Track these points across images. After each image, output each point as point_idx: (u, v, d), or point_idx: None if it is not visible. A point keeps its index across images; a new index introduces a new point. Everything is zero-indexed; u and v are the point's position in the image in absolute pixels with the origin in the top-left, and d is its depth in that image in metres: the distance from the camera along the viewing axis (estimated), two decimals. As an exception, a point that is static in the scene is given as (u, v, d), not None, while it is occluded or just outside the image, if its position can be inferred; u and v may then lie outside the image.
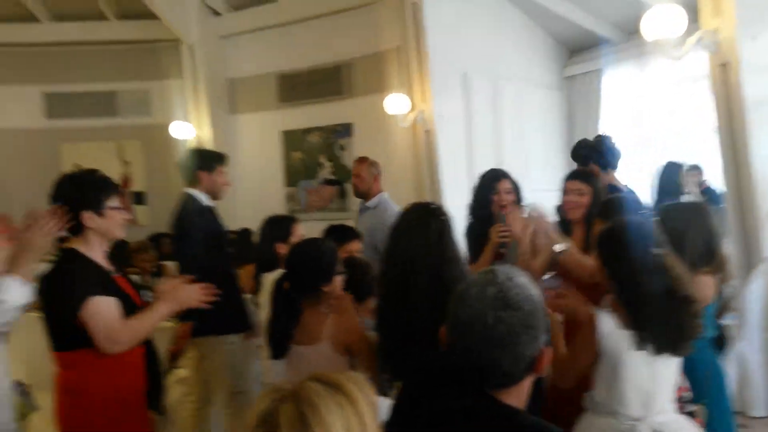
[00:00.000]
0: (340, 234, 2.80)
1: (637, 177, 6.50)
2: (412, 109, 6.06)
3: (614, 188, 3.35)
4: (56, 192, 2.05)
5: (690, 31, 3.74)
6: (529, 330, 1.09)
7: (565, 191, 2.86)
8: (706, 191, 5.34)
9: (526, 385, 1.14)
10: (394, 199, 6.64)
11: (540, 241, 2.53)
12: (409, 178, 6.44)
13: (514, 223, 2.71)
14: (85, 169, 2.12)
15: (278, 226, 2.70)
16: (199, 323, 2.81)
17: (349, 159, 6.73)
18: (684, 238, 2.18)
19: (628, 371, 1.71)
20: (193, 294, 2.15)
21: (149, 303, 2.21)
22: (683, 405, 1.95)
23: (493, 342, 1.07)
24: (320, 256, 2.11)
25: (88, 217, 2.02)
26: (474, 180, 6.41)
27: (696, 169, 5.57)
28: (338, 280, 2.15)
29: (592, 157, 3.61)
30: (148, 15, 6.79)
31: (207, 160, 3.17)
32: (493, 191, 2.87)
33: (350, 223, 6.39)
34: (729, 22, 3.62)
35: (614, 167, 3.63)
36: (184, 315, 2.74)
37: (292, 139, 6.89)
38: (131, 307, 2.12)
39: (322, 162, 6.72)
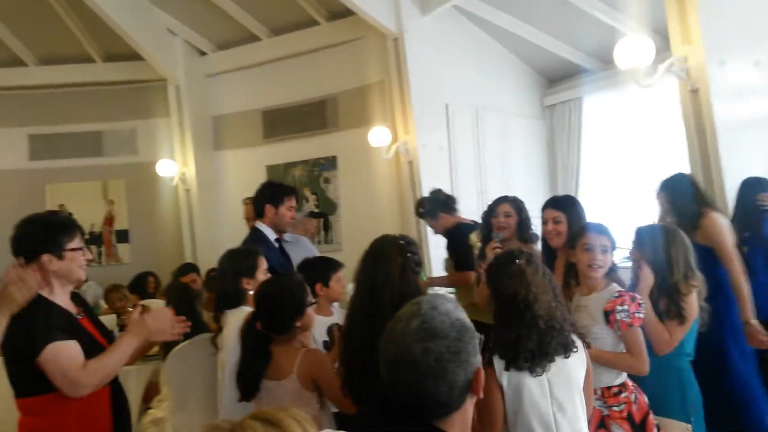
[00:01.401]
0: (325, 265, 2.76)
1: (621, 202, 6.59)
2: (395, 140, 6.13)
3: (464, 225, 3.77)
4: (15, 236, 2.03)
5: (663, 58, 3.80)
6: (459, 355, 1.09)
7: (544, 220, 2.89)
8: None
9: (469, 408, 1.13)
10: (379, 230, 6.65)
11: None
12: (394, 208, 6.46)
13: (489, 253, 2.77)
14: (46, 211, 2.11)
15: (242, 260, 2.58)
16: None
17: (333, 192, 6.76)
18: (669, 258, 2.25)
19: (527, 399, 1.71)
20: (163, 324, 2.09)
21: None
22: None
23: (423, 374, 1.07)
24: (290, 292, 2.09)
25: (48, 260, 1.99)
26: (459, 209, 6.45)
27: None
28: (310, 313, 2.13)
29: (437, 208, 3.95)
30: (135, 56, 6.91)
31: (274, 194, 3.17)
32: (492, 214, 3.00)
33: (337, 255, 6.40)
34: (698, 48, 3.69)
35: (455, 210, 4.00)
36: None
37: (276, 174, 6.92)
38: (96, 348, 2.08)
39: (306, 195, 6.73)
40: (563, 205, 2.91)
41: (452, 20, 6.34)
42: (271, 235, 3.10)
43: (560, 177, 7.05)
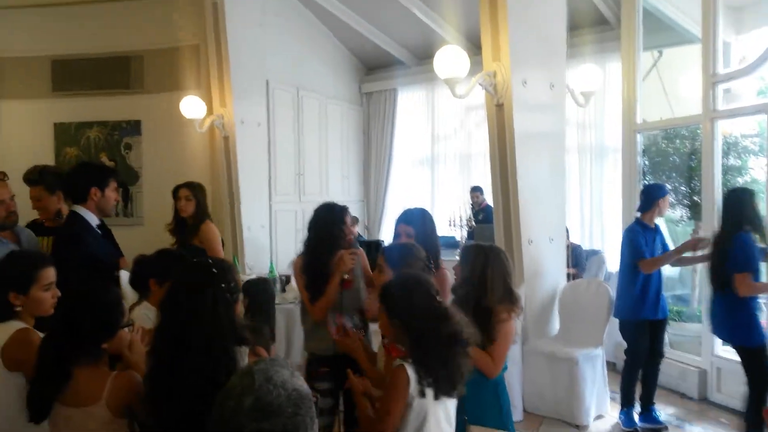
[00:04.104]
0: (163, 260, 2.49)
1: (423, 194, 7.05)
2: (210, 113, 5.79)
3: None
4: None
5: (474, 62, 4.08)
6: None
7: (397, 233, 2.78)
8: (486, 209, 5.97)
9: None
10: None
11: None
12: (206, 185, 6.10)
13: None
14: None
15: (14, 269, 2.03)
16: None
17: (135, 159, 6.20)
18: (483, 279, 2.30)
19: (432, 418, 1.77)
20: None
21: None
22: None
23: None
24: (98, 312, 1.83)
25: None
26: (273, 191, 6.30)
27: (478, 189, 6.19)
28: (123, 335, 1.90)
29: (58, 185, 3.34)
30: None
31: (101, 175, 2.79)
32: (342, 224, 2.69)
33: (137, 230, 5.88)
34: (506, 67, 4.05)
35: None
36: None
37: (66, 133, 6.13)
38: None
39: (103, 161, 6.08)
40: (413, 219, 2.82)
41: (278, -6, 6.16)
42: (94, 221, 2.74)
43: (373, 164, 7.31)
